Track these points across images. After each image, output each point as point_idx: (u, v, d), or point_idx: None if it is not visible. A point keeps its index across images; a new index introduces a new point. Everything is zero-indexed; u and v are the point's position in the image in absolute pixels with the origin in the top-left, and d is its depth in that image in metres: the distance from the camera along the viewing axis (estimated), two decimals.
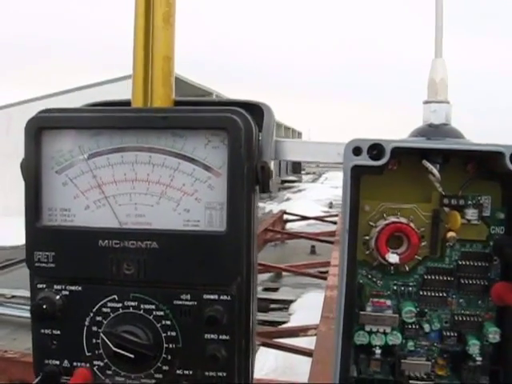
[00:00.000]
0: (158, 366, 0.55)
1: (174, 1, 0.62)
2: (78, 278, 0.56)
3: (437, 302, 0.60)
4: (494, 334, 0.58)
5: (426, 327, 0.60)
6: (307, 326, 3.08)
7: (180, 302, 0.55)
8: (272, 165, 0.56)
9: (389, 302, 0.60)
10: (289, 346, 2.91)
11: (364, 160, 0.55)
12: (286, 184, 21.07)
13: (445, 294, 0.60)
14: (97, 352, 0.56)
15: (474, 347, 0.59)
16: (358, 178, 0.60)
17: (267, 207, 11.45)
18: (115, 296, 0.56)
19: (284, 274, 5.50)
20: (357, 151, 0.55)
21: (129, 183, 0.56)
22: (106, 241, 0.55)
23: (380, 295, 0.61)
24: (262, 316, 4.47)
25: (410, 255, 0.58)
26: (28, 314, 0.58)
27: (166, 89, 0.62)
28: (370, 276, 0.61)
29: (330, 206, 11.52)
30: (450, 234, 0.58)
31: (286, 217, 7.15)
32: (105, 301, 0.56)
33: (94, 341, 0.56)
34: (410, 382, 0.60)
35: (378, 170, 0.58)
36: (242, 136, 0.53)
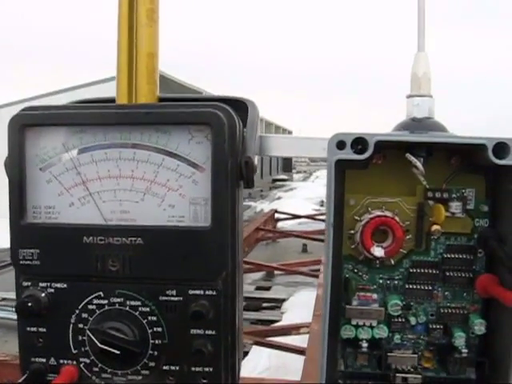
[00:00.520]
0: (145, 362, 0.55)
1: None
2: (64, 275, 0.56)
3: (422, 295, 0.61)
4: (479, 326, 0.59)
5: (412, 320, 0.61)
6: (299, 324, 3.08)
7: (165, 298, 0.55)
8: (256, 160, 0.56)
9: (375, 296, 0.60)
10: (281, 344, 2.91)
11: (348, 154, 0.55)
12: (277, 183, 21.07)
13: (430, 287, 0.61)
14: (83, 349, 0.56)
15: (459, 339, 0.59)
16: (343, 173, 0.60)
17: (258, 206, 11.45)
18: (101, 293, 0.56)
19: (276, 272, 5.50)
20: (340, 145, 0.55)
21: (113, 180, 0.55)
22: (91, 237, 0.55)
23: (366, 289, 0.61)
24: (254, 315, 4.47)
25: (395, 249, 0.58)
26: None
27: (150, 86, 0.62)
28: (355, 270, 0.61)
29: (322, 204, 11.53)
30: (435, 227, 0.59)
31: (277, 216, 7.14)
32: (90, 298, 0.56)
33: (80, 338, 0.56)
34: (397, 374, 0.61)
35: (362, 164, 0.58)
36: (225, 131, 0.53)
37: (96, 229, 0.55)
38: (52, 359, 0.57)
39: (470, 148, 0.56)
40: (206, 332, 0.54)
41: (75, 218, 0.56)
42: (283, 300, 4.76)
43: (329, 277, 0.55)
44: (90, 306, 0.56)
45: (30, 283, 0.57)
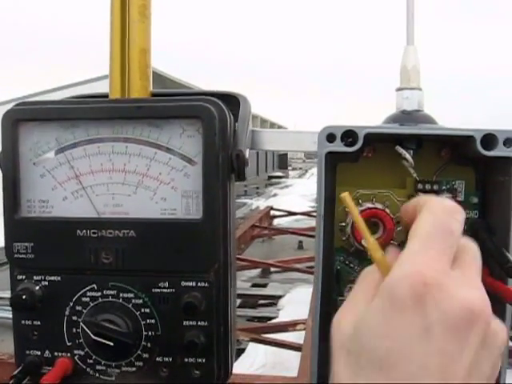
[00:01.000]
0: (138, 353, 0.56)
1: None
2: (58, 269, 0.57)
3: None
4: None
5: None
6: (296, 320, 3.09)
7: (158, 290, 0.55)
8: (248, 154, 0.57)
9: None
10: (278, 341, 2.92)
11: (338, 146, 0.55)
12: (273, 180, 21.09)
13: None
14: (77, 341, 0.57)
15: None
16: (334, 166, 0.61)
17: (254, 203, 11.45)
18: (94, 285, 0.56)
19: (272, 269, 5.51)
20: (330, 138, 0.55)
21: (106, 173, 0.56)
22: (84, 231, 0.56)
23: None
24: (250, 312, 4.48)
25: (386, 240, 0.59)
26: None
27: (143, 81, 0.62)
28: (347, 262, 0.62)
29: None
30: None
31: (273, 213, 7.15)
32: (84, 290, 0.56)
33: (74, 330, 0.57)
34: None
35: (353, 157, 0.59)
36: (215, 124, 0.54)
37: (89, 222, 0.56)
38: (47, 352, 0.58)
39: (459, 140, 0.57)
40: (199, 323, 0.55)
41: (69, 211, 0.57)
42: (279, 297, 4.77)
43: (320, 268, 0.56)
44: (84, 299, 0.56)
45: (24, 276, 0.57)
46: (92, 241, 0.56)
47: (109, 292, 0.56)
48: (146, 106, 0.55)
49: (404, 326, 0.37)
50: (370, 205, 0.60)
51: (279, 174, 23.62)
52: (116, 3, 0.61)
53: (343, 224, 0.61)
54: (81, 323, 0.56)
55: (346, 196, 0.47)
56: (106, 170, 0.56)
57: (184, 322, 0.55)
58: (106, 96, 0.63)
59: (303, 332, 2.59)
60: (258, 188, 16.10)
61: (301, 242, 6.38)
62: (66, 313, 0.57)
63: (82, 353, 0.57)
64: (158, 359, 0.56)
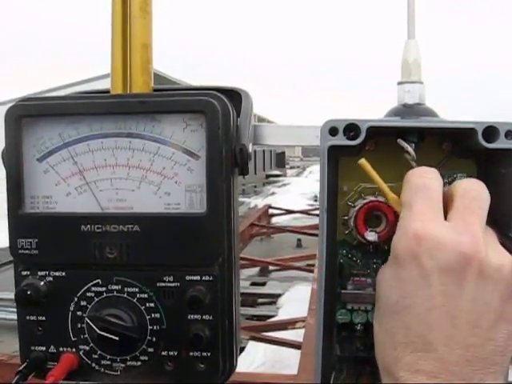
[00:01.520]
0: (143, 348, 0.56)
1: None
2: (62, 264, 0.57)
3: None
4: None
5: None
6: (295, 318, 3.10)
7: (163, 284, 0.55)
8: (250, 147, 0.57)
9: (369, 280, 0.61)
10: (277, 339, 2.92)
11: (340, 140, 0.56)
12: (271, 178, 21.09)
13: None
14: (82, 337, 0.57)
15: None
16: (336, 160, 0.61)
17: (252, 202, 11.46)
18: (99, 280, 0.56)
19: (271, 268, 5.52)
20: (333, 131, 0.56)
21: (109, 168, 0.56)
22: (89, 226, 0.56)
23: (360, 274, 0.62)
24: (250, 310, 4.49)
25: (389, 233, 0.59)
26: (15, 317, 0.59)
27: (144, 77, 0.62)
28: (350, 255, 0.62)
29: (315, 199, 11.55)
30: None
31: (271, 211, 7.16)
32: (89, 285, 0.57)
33: (79, 326, 0.57)
34: None
35: (355, 150, 0.59)
36: (219, 119, 0.54)
37: (93, 217, 0.56)
38: (52, 347, 0.58)
39: (460, 133, 0.57)
40: (204, 317, 0.55)
41: (73, 207, 0.57)
42: (279, 295, 4.78)
43: (323, 262, 0.56)
44: (89, 294, 0.57)
45: (28, 272, 0.57)
46: (96, 236, 0.56)
47: (113, 287, 0.56)
48: (149, 101, 0.55)
49: (406, 277, 0.45)
50: (372, 198, 0.60)
51: (277, 172, 23.62)
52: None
53: (346, 217, 0.61)
54: (86, 318, 0.56)
55: (364, 162, 0.54)
56: (109, 165, 0.56)
57: (189, 316, 0.55)
58: (107, 92, 0.63)
59: (303, 330, 2.60)
60: (255, 187, 16.10)
61: (299, 240, 6.40)
62: (71, 308, 0.57)
63: (87, 348, 0.57)
64: (163, 353, 0.56)
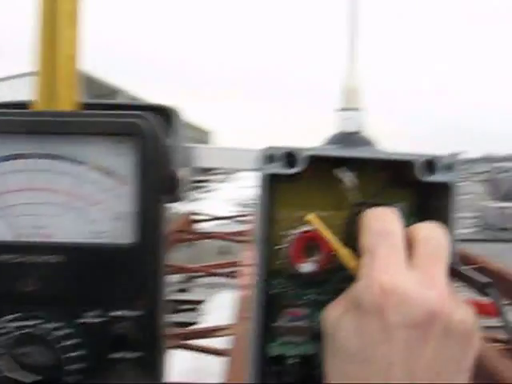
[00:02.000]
0: None
1: None
2: None
3: None
4: None
5: None
6: (219, 326, 3.06)
7: (86, 320, 0.51)
8: (183, 172, 0.54)
9: (303, 312, 0.59)
10: (201, 346, 2.88)
11: (279, 168, 0.54)
12: (196, 184, 21.01)
13: None
14: None
15: None
16: (271, 186, 0.59)
17: (176, 207, 11.36)
18: (14, 315, 0.51)
19: (195, 274, 5.46)
20: (271, 159, 0.54)
21: (28, 192, 0.51)
22: (3, 255, 0.51)
23: (294, 305, 0.60)
24: (172, 317, 4.42)
25: (325, 264, 0.57)
26: None
27: (70, 90, 0.58)
28: (283, 286, 0.60)
29: (240, 205, 11.57)
30: None
31: (195, 217, 7.10)
32: (1, 321, 0.51)
33: None
34: None
35: (290, 177, 0.57)
36: (149, 142, 0.50)
37: (9, 246, 0.51)
38: None
39: (398, 163, 0.57)
40: (129, 355, 0.51)
41: None
42: (202, 302, 4.73)
43: (258, 295, 0.54)
44: (2, 330, 0.51)
45: None
46: (12, 267, 0.51)
47: (30, 322, 0.51)
48: (74, 121, 0.51)
49: (369, 329, 0.43)
50: (307, 227, 0.58)
51: (202, 177, 23.56)
52: (44, 5, 0.57)
53: (279, 247, 0.59)
54: None
55: (313, 218, 0.52)
56: (28, 188, 0.51)
57: (114, 355, 0.51)
58: (23, 104, 0.58)
59: (227, 337, 2.57)
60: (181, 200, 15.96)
61: (223, 246, 6.37)
62: None
63: None
64: None
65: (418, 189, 0.59)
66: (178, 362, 3.10)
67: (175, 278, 5.44)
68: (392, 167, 0.60)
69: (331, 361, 0.48)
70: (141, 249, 0.51)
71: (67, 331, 0.51)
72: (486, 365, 1.42)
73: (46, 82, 0.58)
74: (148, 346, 0.52)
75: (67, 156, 0.51)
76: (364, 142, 0.58)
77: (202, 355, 2.90)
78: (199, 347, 2.85)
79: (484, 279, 0.51)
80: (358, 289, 0.46)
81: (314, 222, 0.52)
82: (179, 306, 4.82)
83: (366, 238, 0.49)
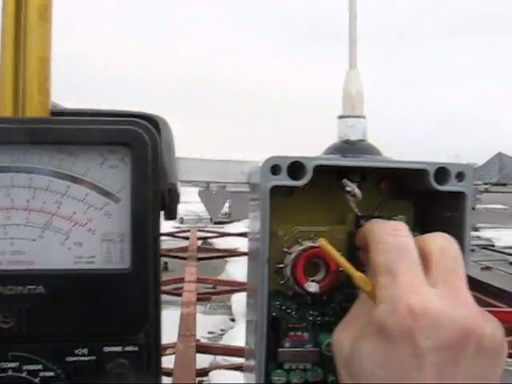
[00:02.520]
0: None
1: None
2: None
3: None
4: None
5: None
6: (165, 344, 2.96)
7: (74, 359, 0.44)
8: (179, 187, 0.48)
9: (307, 335, 0.54)
10: None
11: (283, 180, 0.49)
12: None
13: None
14: None
15: None
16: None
17: None
18: None
19: None
20: (275, 170, 0.49)
21: (3, 212, 0.44)
22: None
23: (297, 328, 0.55)
24: None
25: (330, 283, 0.53)
26: None
27: (41, 96, 0.51)
28: (284, 307, 0.55)
29: (181, 221, 11.42)
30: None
31: None
32: None
33: None
34: None
35: (288, 190, 0.52)
36: (147, 153, 0.44)
37: None
38: None
39: (399, 173, 0.53)
40: None
41: None
42: None
43: (264, 317, 0.49)
44: None
45: None
46: None
47: (9, 365, 0.44)
48: (56, 129, 0.44)
49: (398, 355, 0.40)
50: (310, 244, 0.54)
51: None
52: (11, 1, 0.50)
53: (280, 266, 0.54)
54: None
55: (324, 244, 0.48)
56: (2, 207, 0.44)
57: None
58: None
59: (172, 356, 2.47)
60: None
61: (166, 263, 6.25)
62: None
63: None
64: None
65: (418, 199, 0.56)
66: None
67: None
68: (391, 177, 0.56)
69: None
70: (138, 276, 0.45)
71: (58, 372, 0.44)
72: None
73: (13, 87, 0.51)
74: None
75: (50, 169, 0.44)
76: (369, 150, 0.54)
77: None
78: None
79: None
80: (380, 313, 0.42)
81: (326, 247, 0.48)
82: None
83: (382, 256, 0.44)
